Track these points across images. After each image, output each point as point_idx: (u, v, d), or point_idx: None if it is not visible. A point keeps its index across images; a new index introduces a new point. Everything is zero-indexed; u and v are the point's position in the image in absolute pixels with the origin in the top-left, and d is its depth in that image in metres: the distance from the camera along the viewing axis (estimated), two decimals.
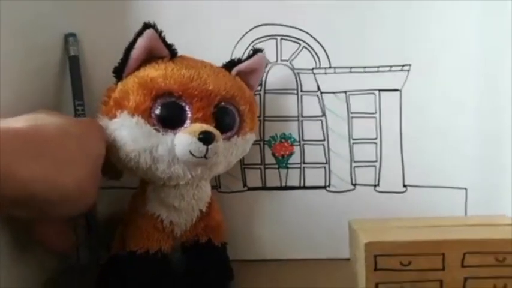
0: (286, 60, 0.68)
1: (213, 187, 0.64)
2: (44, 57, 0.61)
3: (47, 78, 0.62)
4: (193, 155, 0.49)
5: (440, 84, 0.66)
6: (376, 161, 0.68)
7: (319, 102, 0.68)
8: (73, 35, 0.64)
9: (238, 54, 0.64)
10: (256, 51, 0.60)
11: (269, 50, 0.66)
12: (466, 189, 0.67)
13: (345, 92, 0.68)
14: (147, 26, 0.50)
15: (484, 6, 0.64)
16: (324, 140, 0.69)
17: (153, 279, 0.54)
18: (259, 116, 0.68)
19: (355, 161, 0.68)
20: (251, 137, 0.59)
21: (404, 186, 0.68)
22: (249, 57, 0.59)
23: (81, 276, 0.64)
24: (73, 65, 0.63)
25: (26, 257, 0.57)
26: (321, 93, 0.68)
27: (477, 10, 0.64)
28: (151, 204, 0.55)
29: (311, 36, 0.67)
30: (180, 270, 0.57)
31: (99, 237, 0.64)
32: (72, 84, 0.63)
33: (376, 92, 0.68)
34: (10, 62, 0.53)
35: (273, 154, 0.69)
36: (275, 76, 0.68)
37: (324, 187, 0.69)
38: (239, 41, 0.67)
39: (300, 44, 0.67)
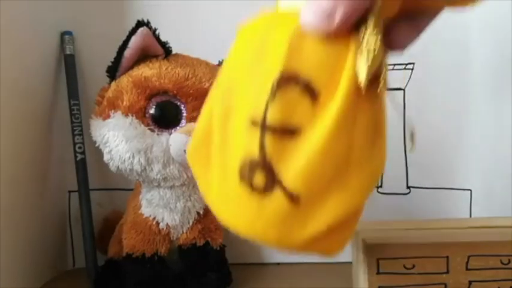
0: None
1: None
2: (39, 55, 0.60)
3: (43, 77, 0.61)
4: None
5: (444, 84, 0.65)
6: None
7: None
8: (69, 33, 0.63)
9: None
10: None
11: None
12: (470, 190, 0.66)
13: None
14: (140, 24, 0.49)
15: (486, 6, 0.62)
16: None
17: (149, 283, 0.53)
18: None
19: None
20: None
21: (408, 187, 0.67)
22: None
23: (78, 280, 0.62)
24: (69, 63, 0.63)
25: (25, 261, 0.57)
26: None
27: (480, 9, 0.63)
28: (146, 206, 0.54)
29: None
30: (177, 274, 0.56)
31: (95, 241, 0.63)
32: (68, 83, 0.62)
33: None
34: (6, 59, 0.52)
35: None
36: None
37: None
38: None
39: None
